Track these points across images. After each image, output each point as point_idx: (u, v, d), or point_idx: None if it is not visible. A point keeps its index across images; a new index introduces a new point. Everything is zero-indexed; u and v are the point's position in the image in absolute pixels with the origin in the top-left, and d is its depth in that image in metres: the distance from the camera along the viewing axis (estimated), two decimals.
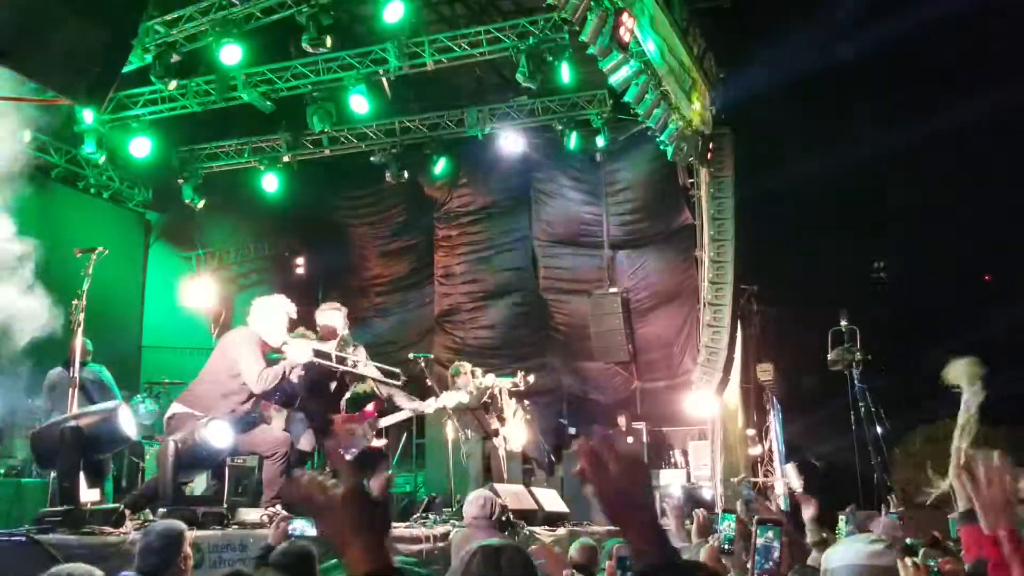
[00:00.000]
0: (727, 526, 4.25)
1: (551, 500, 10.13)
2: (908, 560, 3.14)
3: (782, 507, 14.10)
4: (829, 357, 13.73)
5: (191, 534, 4.83)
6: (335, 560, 5.89)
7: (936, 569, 3.20)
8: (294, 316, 7.45)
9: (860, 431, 12.95)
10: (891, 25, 13.48)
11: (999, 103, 13.61)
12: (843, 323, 13.45)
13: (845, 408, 13.48)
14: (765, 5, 14.18)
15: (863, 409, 12.93)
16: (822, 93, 14.73)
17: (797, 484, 14.02)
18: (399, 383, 8.48)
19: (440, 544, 7.38)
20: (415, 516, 8.96)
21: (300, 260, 17.78)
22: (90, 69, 4.05)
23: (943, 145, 14.44)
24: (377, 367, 8.46)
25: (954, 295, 15.50)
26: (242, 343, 7.14)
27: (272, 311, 7.32)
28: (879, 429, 12.97)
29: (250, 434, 7.22)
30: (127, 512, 5.89)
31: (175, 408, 7.01)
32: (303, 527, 5.97)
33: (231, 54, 12.04)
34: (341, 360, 7.88)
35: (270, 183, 15.97)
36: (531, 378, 11.67)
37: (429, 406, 8.69)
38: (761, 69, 13.79)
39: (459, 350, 17.29)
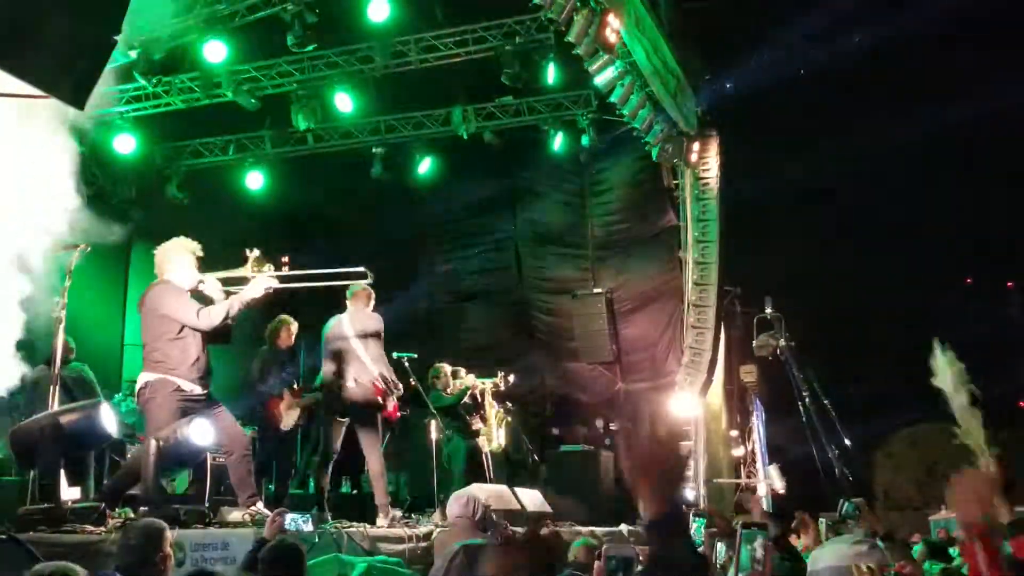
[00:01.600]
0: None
1: (534, 500, 10.15)
2: (863, 565, 3.18)
3: (765, 508, 14.17)
4: (754, 343, 13.98)
5: (172, 533, 4.82)
6: (323, 557, 5.90)
7: (894, 573, 3.24)
8: (200, 254, 7.39)
9: (822, 426, 13.14)
10: (878, 29, 13.55)
11: (983, 106, 13.70)
12: (768, 310, 13.69)
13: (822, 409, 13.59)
14: (751, 7, 14.22)
15: (807, 399, 13.13)
16: (808, 95, 14.78)
17: (779, 485, 14.17)
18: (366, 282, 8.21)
19: (423, 544, 7.38)
20: (398, 516, 8.96)
21: (285, 258, 17.66)
22: (75, 66, 4.03)
23: (929, 146, 14.53)
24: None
25: (938, 297, 15.58)
26: (164, 295, 7.09)
27: (176, 254, 7.28)
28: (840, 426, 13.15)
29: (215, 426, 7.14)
30: (107, 510, 5.87)
31: (145, 377, 6.98)
32: (298, 521, 5.97)
33: (216, 51, 11.99)
34: (289, 279, 7.69)
35: (255, 180, 15.91)
36: (512, 378, 11.67)
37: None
38: (747, 71, 13.83)
39: (443, 350, 17.26)
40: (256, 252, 7.57)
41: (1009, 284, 17.24)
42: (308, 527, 5.95)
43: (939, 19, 13.10)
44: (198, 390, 7.05)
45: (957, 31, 13.78)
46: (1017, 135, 14.71)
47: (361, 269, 7.81)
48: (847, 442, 13.40)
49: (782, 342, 13.78)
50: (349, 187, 17.78)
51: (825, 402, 13.32)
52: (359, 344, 9.29)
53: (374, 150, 15.79)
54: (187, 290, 7.20)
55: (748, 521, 3.18)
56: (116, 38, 4.10)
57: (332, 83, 13.75)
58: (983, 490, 2.62)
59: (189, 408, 6.93)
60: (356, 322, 9.49)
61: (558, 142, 15.34)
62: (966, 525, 2.58)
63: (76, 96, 4.07)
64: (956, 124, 14.02)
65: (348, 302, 9.72)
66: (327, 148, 16.06)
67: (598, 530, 10.07)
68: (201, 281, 7.27)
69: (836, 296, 14.84)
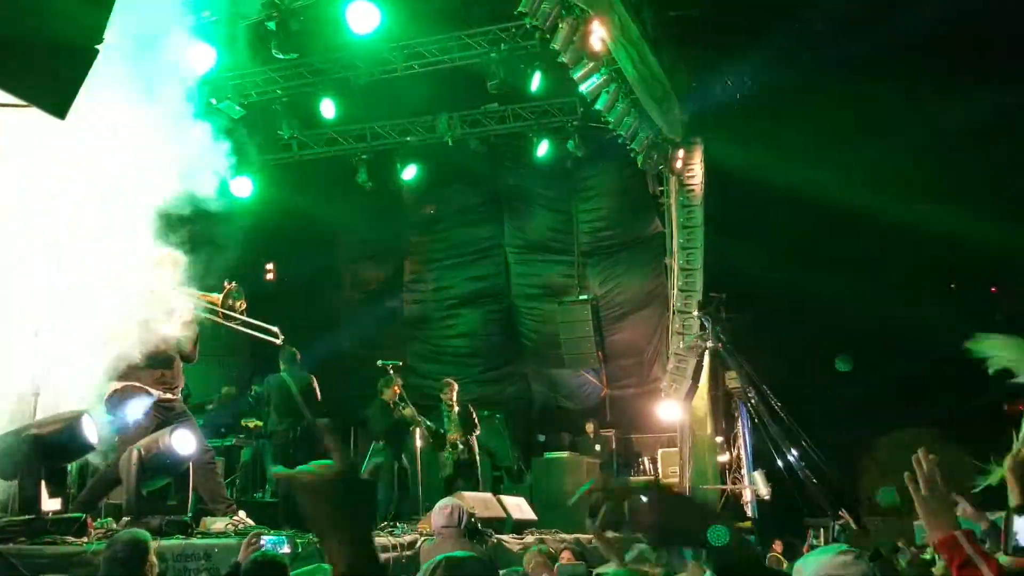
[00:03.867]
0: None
1: (519, 508, 10.14)
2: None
3: (750, 514, 14.20)
4: (681, 344, 14.16)
5: (155, 543, 4.79)
6: (306, 567, 5.86)
7: None
8: (182, 266, 7.37)
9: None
10: (862, 36, 13.59)
11: (966, 110, 13.78)
12: (695, 314, 13.93)
13: (813, 414, 13.66)
14: (735, 15, 14.24)
15: (752, 400, 13.27)
16: (792, 103, 14.79)
17: (764, 491, 14.19)
18: (279, 341, 8.39)
19: (407, 553, 7.35)
20: (382, 525, 8.94)
21: (270, 266, 17.62)
22: (57, 75, 4.00)
23: (912, 151, 14.59)
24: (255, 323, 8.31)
25: (921, 305, 15.62)
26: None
27: (154, 264, 7.25)
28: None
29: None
30: (89, 521, 5.83)
31: (112, 385, 6.96)
32: (275, 545, 5.92)
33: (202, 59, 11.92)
34: (228, 318, 7.70)
35: (241, 188, 15.83)
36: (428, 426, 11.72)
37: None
38: (732, 78, 13.86)
39: (431, 357, 17.25)
40: (233, 284, 7.61)
41: (993, 289, 17.30)
42: (285, 549, 5.92)
43: (924, 26, 13.16)
44: (166, 395, 7.03)
45: (942, 38, 13.84)
46: (997, 139, 14.80)
47: (275, 329, 8.11)
48: (804, 443, 13.50)
49: (709, 343, 14.00)
50: (337, 194, 17.74)
51: (777, 404, 13.43)
52: (301, 400, 10.44)
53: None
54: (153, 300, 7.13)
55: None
56: (98, 47, 4.07)
57: (317, 90, 13.72)
58: (946, 510, 2.58)
59: (160, 414, 6.92)
60: (297, 381, 10.57)
61: (544, 149, 15.34)
62: (944, 543, 2.53)
63: (58, 106, 4.04)
64: (940, 129, 14.09)
65: (281, 363, 10.70)
66: (312, 155, 16.02)
67: (583, 537, 10.06)
68: (178, 291, 7.22)
69: (819, 302, 14.85)
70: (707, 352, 14.28)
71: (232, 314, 7.53)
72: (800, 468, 13.18)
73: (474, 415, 11.81)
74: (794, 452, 13.44)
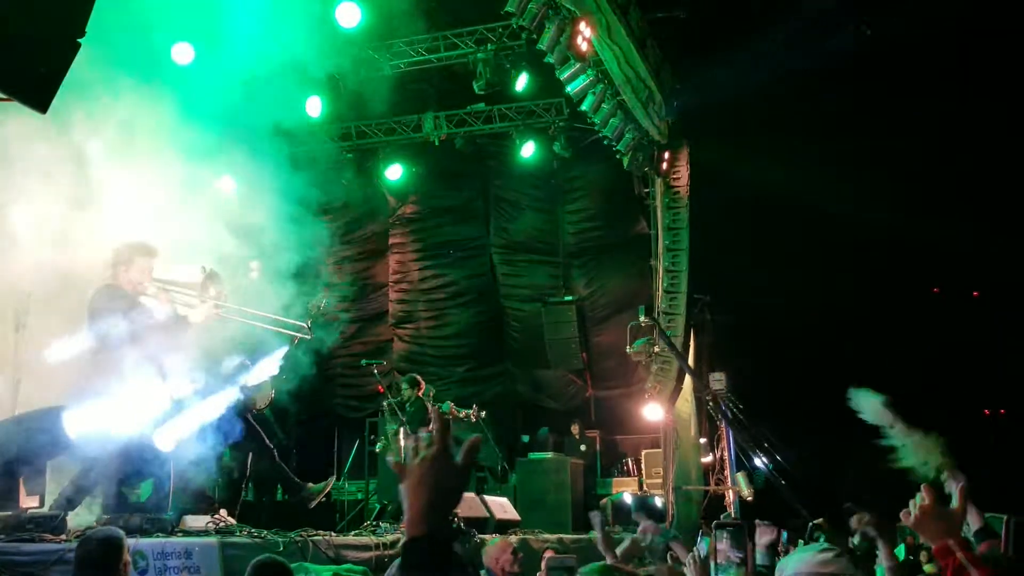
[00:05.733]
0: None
1: (502, 508, 10.13)
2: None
3: (733, 515, 14.22)
4: (628, 350, 14.24)
5: (132, 541, 4.75)
6: (296, 563, 5.84)
7: None
8: (156, 258, 7.30)
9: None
10: (849, 37, 13.63)
11: (951, 115, 13.85)
12: (642, 319, 13.93)
13: (798, 417, 13.71)
14: (722, 16, 14.26)
15: (710, 404, 13.34)
16: (778, 105, 14.83)
17: (747, 492, 14.24)
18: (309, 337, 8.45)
19: (390, 552, 7.32)
20: (365, 524, 8.93)
21: (254, 264, 17.48)
22: (37, 68, 3.97)
23: (898, 153, 14.66)
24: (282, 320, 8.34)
25: (902, 305, 15.70)
26: (93, 304, 6.89)
27: (127, 256, 7.13)
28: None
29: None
30: (67, 518, 5.80)
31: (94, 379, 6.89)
32: None
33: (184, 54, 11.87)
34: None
35: (225, 184, 15.74)
36: (483, 413, 11.65)
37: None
38: (717, 80, 13.87)
39: (415, 357, 17.19)
40: (209, 268, 7.54)
41: (975, 293, 17.38)
42: None
43: (911, 26, 13.21)
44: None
45: (927, 40, 13.89)
46: (982, 145, 14.88)
47: (304, 325, 8.15)
48: (767, 445, 13.57)
49: (656, 349, 14.06)
50: (322, 192, 17.66)
51: (738, 407, 13.49)
52: None
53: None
54: (129, 294, 7.05)
55: (721, 522, 3.17)
56: (80, 40, 4.05)
57: (303, 88, 13.66)
58: (943, 521, 2.75)
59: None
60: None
61: (530, 149, 15.33)
62: (940, 551, 2.71)
63: (38, 99, 4.01)
64: (923, 133, 14.17)
65: None
66: (297, 153, 15.92)
67: (567, 537, 10.06)
68: (154, 286, 7.16)
69: (801, 306, 14.91)
70: (650, 357, 14.32)
71: (259, 312, 7.57)
72: (770, 471, 13.23)
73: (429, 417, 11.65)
74: (762, 456, 13.50)
